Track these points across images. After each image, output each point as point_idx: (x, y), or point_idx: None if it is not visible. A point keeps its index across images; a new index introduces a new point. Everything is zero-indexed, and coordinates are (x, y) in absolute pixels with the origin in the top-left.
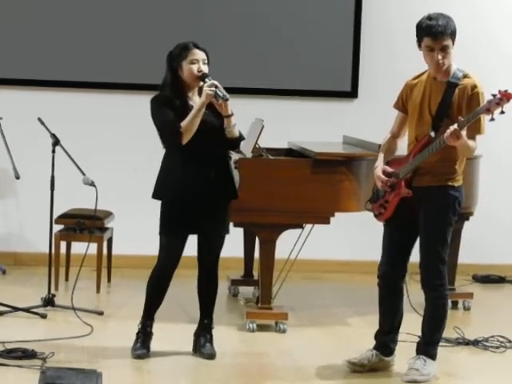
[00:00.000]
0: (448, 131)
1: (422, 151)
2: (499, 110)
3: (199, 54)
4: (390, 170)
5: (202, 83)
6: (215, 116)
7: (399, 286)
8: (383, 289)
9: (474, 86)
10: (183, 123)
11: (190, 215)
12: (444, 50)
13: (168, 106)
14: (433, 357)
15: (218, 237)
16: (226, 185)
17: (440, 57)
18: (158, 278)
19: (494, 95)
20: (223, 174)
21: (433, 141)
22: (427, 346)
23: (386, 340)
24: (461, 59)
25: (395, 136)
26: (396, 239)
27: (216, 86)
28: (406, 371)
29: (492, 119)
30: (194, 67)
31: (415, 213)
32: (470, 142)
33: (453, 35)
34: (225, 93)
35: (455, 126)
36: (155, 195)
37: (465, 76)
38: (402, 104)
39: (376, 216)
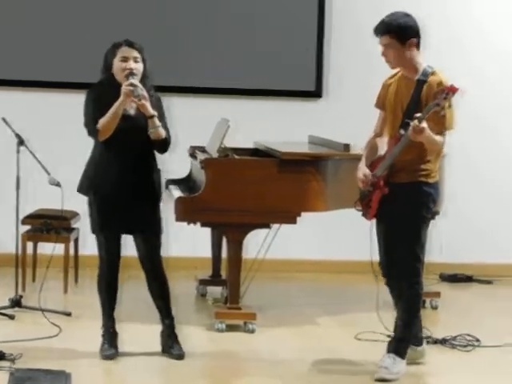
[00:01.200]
0: (410, 128)
1: (393, 149)
2: (447, 104)
3: (130, 52)
4: (368, 172)
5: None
6: (144, 116)
7: None
8: (391, 286)
9: (440, 83)
10: (100, 121)
11: (119, 213)
12: (385, 47)
13: (97, 102)
14: (402, 355)
15: (151, 237)
16: (148, 186)
17: (383, 55)
18: (105, 279)
19: (442, 90)
20: (146, 176)
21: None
22: (397, 344)
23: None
24: (454, 57)
25: (378, 135)
26: (383, 238)
27: (134, 85)
28: (376, 369)
29: (449, 106)
30: (123, 64)
31: (394, 210)
32: (437, 137)
33: (393, 32)
34: (141, 93)
35: (415, 122)
36: (82, 190)
37: (432, 73)
38: (381, 103)
39: (363, 215)
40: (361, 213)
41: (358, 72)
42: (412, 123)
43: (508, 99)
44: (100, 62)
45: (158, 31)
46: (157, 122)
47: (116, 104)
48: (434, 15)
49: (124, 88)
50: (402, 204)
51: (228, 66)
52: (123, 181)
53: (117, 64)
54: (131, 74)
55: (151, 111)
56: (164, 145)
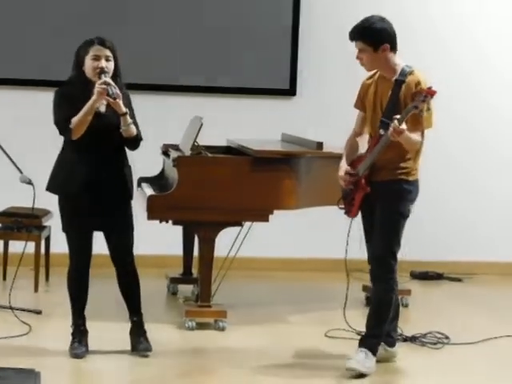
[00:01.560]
0: (390, 129)
1: (374, 148)
2: (426, 106)
3: (101, 51)
4: (350, 170)
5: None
6: (115, 114)
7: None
8: (374, 286)
9: (418, 83)
10: (73, 119)
11: (89, 211)
12: (359, 51)
13: (68, 100)
14: (374, 352)
15: (122, 234)
16: (119, 184)
17: (358, 59)
18: (76, 277)
19: (420, 92)
20: (117, 173)
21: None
22: (370, 340)
23: (387, 330)
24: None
25: (357, 134)
26: (370, 235)
27: (108, 84)
28: (346, 361)
29: (428, 109)
30: (95, 63)
31: (375, 208)
32: (415, 137)
33: (367, 38)
34: (114, 91)
35: (395, 123)
36: (51, 189)
37: (410, 73)
38: (361, 103)
39: (346, 213)
40: (343, 211)
41: (333, 71)
42: (392, 124)
43: (490, 98)
44: (60, 60)
45: (130, 28)
46: (129, 119)
47: (89, 103)
48: (414, 13)
49: (98, 87)
50: (383, 201)
51: (202, 64)
52: (93, 178)
53: (88, 62)
54: (102, 72)
55: (124, 109)
56: (135, 142)
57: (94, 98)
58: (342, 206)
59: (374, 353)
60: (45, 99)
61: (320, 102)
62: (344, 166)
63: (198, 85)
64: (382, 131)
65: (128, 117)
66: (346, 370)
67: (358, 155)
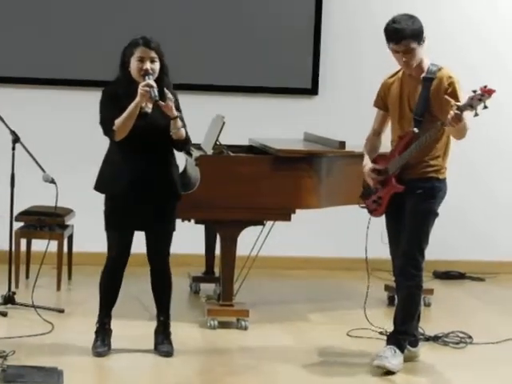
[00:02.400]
0: (449, 116)
1: (411, 146)
2: (482, 105)
3: (146, 52)
4: (378, 167)
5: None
6: (162, 115)
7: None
8: (401, 283)
9: (449, 77)
10: (116, 121)
11: (133, 211)
12: (407, 52)
13: (113, 101)
14: (402, 349)
15: (164, 234)
16: (166, 185)
17: (405, 58)
18: (110, 275)
19: (475, 91)
20: (165, 174)
21: (417, 136)
22: (398, 337)
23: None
24: (452, 57)
25: (377, 133)
26: (396, 234)
27: (150, 86)
28: (374, 357)
29: (476, 115)
30: (140, 65)
31: (405, 205)
32: (468, 123)
33: (415, 36)
34: (156, 94)
35: (455, 110)
36: (97, 188)
37: (439, 69)
38: (381, 102)
39: (371, 212)
40: (365, 210)
41: (355, 70)
42: (453, 112)
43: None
44: (103, 59)
45: (155, 29)
46: (179, 123)
47: (132, 105)
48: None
49: (140, 89)
50: (414, 199)
51: (224, 63)
52: (139, 179)
53: (133, 63)
54: (147, 74)
55: (175, 113)
56: (184, 144)
57: (136, 100)
58: (364, 205)
59: (402, 350)
60: (68, 98)
61: (342, 101)
62: (369, 163)
63: (221, 84)
64: (416, 129)
65: (179, 120)
66: (374, 367)
67: (381, 154)
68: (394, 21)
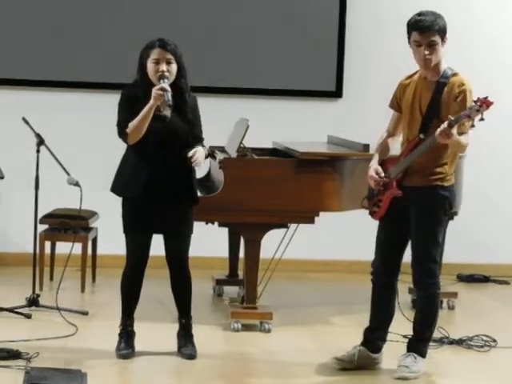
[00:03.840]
0: (438, 130)
1: (412, 152)
2: (479, 116)
3: (162, 54)
4: (381, 170)
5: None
6: (181, 119)
7: (391, 285)
8: (375, 285)
9: (462, 84)
10: (130, 124)
11: (150, 214)
12: (431, 45)
13: (130, 103)
14: (423, 354)
15: (181, 237)
16: (183, 188)
17: (427, 52)
18: (130, 278)
19: (475, 101)
20: (183, 177)
21: (422, 142)
22: (418, 343)
23: (374, 336)
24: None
25: (391, 134)
26: (389, 238)
27: (164, 90)
28: (396, 368)
29: (473, 126)
30: (156, 67)
31: (407, 212)
32: (462, 139)
33: (441, 32)
34: (170, 98)
35: (445, 124)
36: (114, 190)
37: (453, 74)
38: (396, 104)
39: (370, 214)
40: (367, 211)
41: (379, 72)
42: (442, 126)
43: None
44: (126, 62)
45: (175, 30)
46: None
47: (146, 108)
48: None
49: (154, 92)
50: (418, 208)
51: (248, 66)
52: (155, 182)
53: (150, 65)
54: (162, 76)
55: (200, 164)
56: (206, 156)
57: (150, 103)
58: (366, 206)
59: (424, 355)
60: (92, 101)
61: (366, 103)
62: (375, 165)
63: (245, 87)
64: (421, 135)
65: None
66: (396, 379)
67: (390, 156)
68: (420, 13)
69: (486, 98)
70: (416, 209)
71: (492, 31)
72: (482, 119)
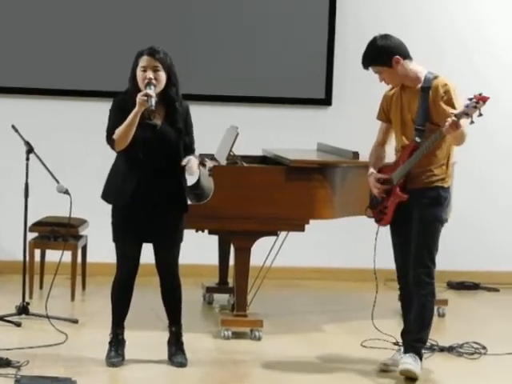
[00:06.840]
0: (447, 124)
1: (414, 155)
2: (477, 113)
3: (150, 61)
4: (383, 176)
5: None
6: (171, 127)
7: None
8: (400, 292)
9: (445, 84)
10: (116, 130)
11: (140, 222)
12: (379, 74)
13: (120, 110)
14: (420, 356)
15: (171, 245)
16: (174, 196)
17: (382, 81)
18: (120, 287)
19: (471, 99)
20: (173, 186)
21: (419, 145)
22: (416, 344)
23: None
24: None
25: (381, 144)
26: (401, 244)
27: (148, 96)
28: (400, 365)
29: (472, 122)
30: (143, 74)
31: (411, 214)
32: (465, 129)
33: (376, 60)
34: (153, 103)
35: (453, 117)
36: (104, 197)
37: (435, 78)
38: (384, 115)
39: (377, 222)
40: (373, 219)
41: (368, 80)
42: (451, 119)
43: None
44: (115, 69)
45: (167, 39)
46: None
47: (131, 114)
48: (437, 16)
49: (138, 98)
50: (420, 208)
51: (237, 74)
52: (144, 190)
53: (138, 73)
54: (149, 84)
55: (195, 173)
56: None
57: (135, 109)
58: (371, 215)
59: (421, 357)
60: (82, 109)
61: (355, 111)
62: (374, 173)
63: (234, 95)
64: (417, 139)
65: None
66: (400, 373)
67: (386, 164)
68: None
69: (480, 94)
70: (418, 209)
71: (492, 31)
72: (480, 115)
